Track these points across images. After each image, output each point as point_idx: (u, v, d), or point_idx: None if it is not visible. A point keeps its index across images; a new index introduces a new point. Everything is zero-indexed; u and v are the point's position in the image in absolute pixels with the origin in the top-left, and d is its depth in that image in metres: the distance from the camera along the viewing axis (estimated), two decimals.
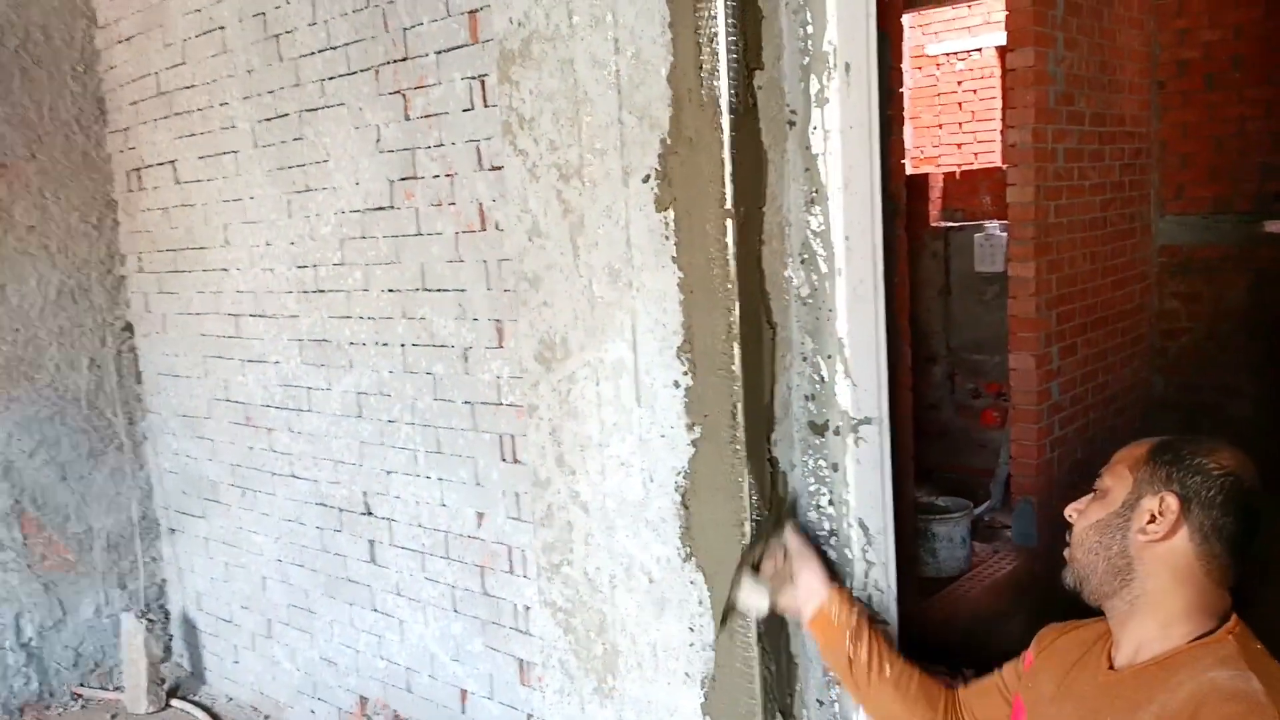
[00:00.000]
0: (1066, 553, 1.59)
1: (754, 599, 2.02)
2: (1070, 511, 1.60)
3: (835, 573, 2.07)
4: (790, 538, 2.04)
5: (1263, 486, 1.49)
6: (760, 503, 2.09)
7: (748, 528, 2.07)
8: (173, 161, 3.95)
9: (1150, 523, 1.47)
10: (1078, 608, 1.63)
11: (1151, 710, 1.40)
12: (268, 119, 3.47)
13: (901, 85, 3.98)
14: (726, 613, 2.06)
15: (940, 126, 9.60)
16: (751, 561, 2.02)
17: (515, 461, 2.94)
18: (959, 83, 9.45)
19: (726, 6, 1.96)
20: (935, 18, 9.37)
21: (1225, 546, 1.45)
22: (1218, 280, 5.87)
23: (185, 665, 4.45)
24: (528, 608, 2.99)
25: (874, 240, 2.13)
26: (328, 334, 3.43)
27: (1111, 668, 1.53)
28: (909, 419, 3.53)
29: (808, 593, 1.99)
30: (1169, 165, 5.95)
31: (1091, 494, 1.59)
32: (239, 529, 4.01)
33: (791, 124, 2.09)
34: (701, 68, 2.00)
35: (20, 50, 3.99)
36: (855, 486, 2.12)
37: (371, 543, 3.44)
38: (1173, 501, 1.46)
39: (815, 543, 2.11)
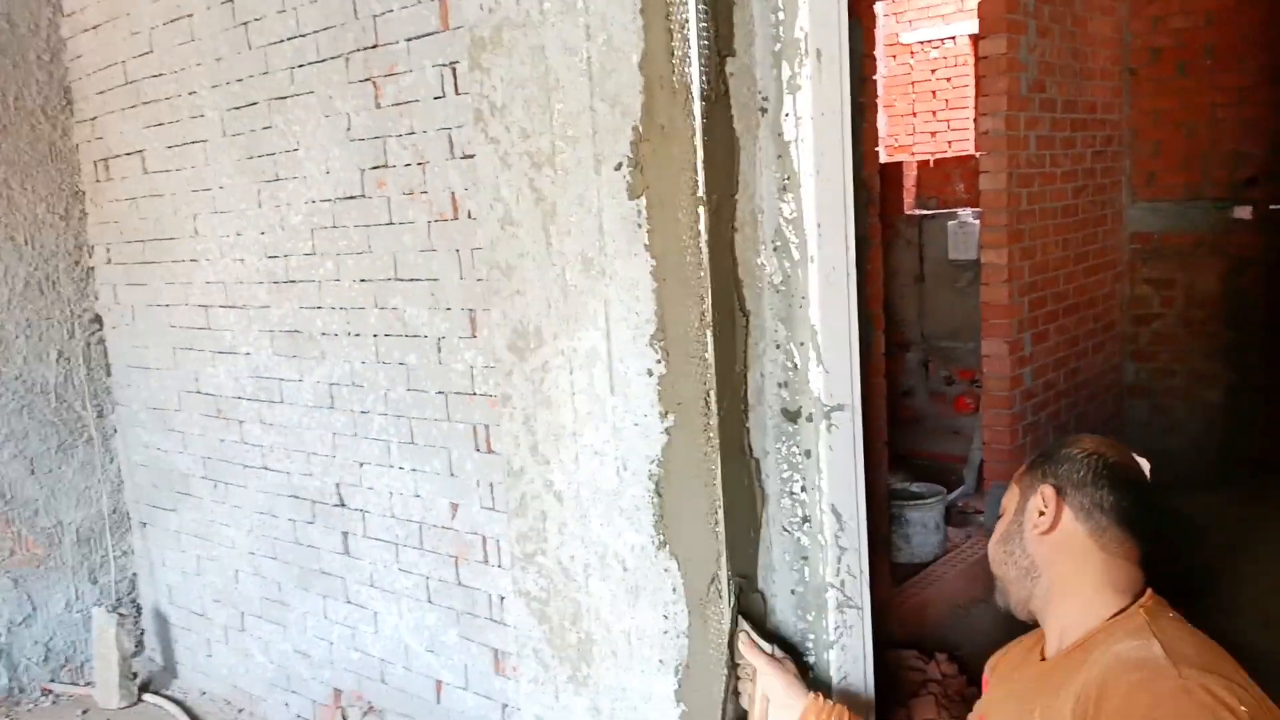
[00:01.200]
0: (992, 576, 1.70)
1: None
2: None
3: (808, 676, 2.00)
4: (743, 647, 1.99)
5: (1131, 459, 1.60)
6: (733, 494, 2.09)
7: (720, 515, 2.07)
8: (141, 151, 3.90)
9: (1039, 517, 1.58)
10: None
11: (1072, 690, 1.45)
12: (237, 107, 3.43)
13: (874, 72, 3.98)
14: None
15: (914, 114, 9.62)
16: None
17: (489, 451, 2.93)
18: (933, 71, 9.47)
19: None
20: (909, 5, 9.39)
21: (1111, 518, 1.54)
22: (1190, 266, 5.92)
23: (157, 659, 4.42)
24: (502, 598, 2.98)
25: (846, 227, 2.12)
26: (299, 325, 3.40)
27: (1044, 659, 1.60)
28: (882, 405, 3.55)
29: (779, 709, 1.90)
30: (1141, 152, 5.99)
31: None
32: (210, 522, 3.98)
33: (764, 111, 2.08)
34: (673, 54, 1.99)
35: None
36: (828, 473, 2.12)
37: (345, 534, 3.42)
38: (1049, 490, 1.57)
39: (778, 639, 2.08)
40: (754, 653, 1.99)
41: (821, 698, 1.89)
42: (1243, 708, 1.30)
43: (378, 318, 3.15)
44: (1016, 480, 1.67)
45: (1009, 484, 1.69)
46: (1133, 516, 1.54)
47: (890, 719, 3.49)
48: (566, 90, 2.18)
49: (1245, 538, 4.80)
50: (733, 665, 2.00)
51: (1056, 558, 1.57)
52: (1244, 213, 5.70)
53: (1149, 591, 1.54)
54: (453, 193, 2.86)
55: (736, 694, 2.00)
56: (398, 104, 2.94)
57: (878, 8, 6.61)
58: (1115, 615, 1.51)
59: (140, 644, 4.41)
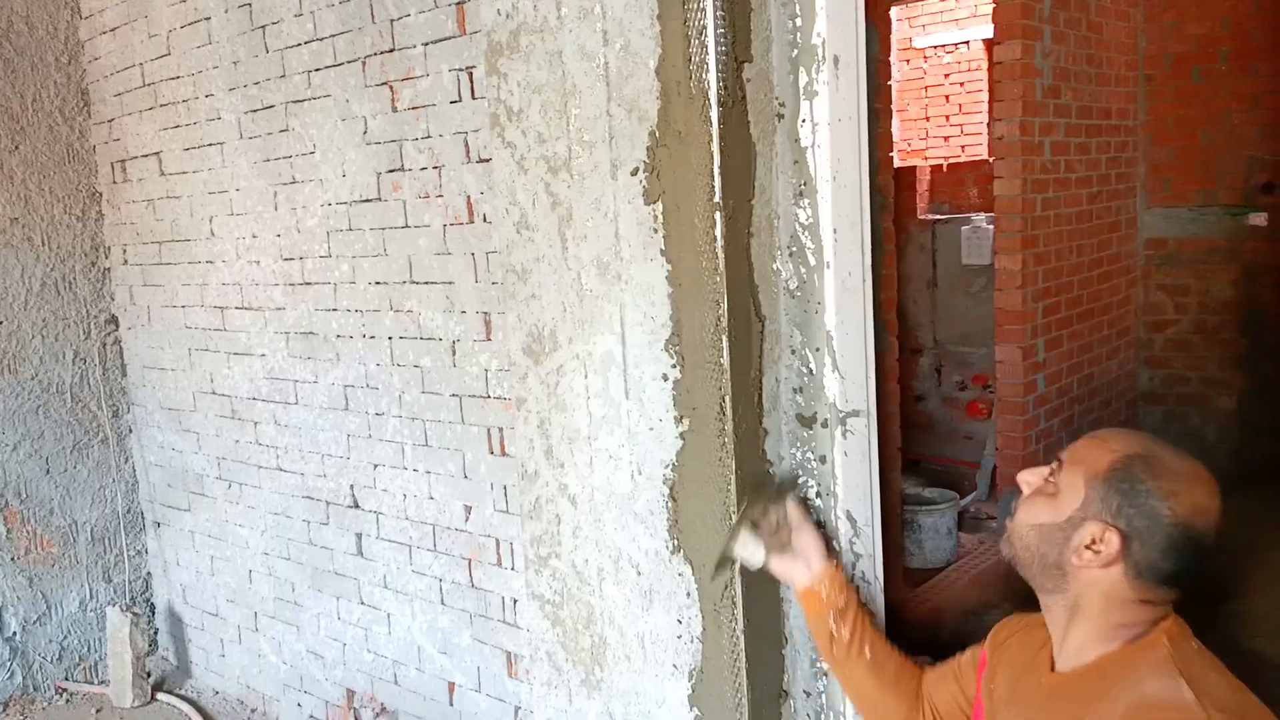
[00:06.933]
0: (1008, 524, 1.53)
1: (749, 552, 2.02)
2: (1023, 482, 1.53)
3: (832, 548, 2.08)
4: (791, 507, 2.04)
5: (1218, 519, 1.40)
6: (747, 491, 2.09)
7: (735, 520, 2.07)
8: (158, 153, 3.92)
9: (1089, 547, 1.41)
10: None
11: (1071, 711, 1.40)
12: (254, 110, 3.45)
13: (889, 78, 3.98)
14: (720, 563, 2.07)
15: (928, 119, 9.60)
16: (751, 518, 2.03)
17: (503, 454, 2.94)
18: (946, 75, 9.45)
19: None
20: (923, 10, 9.37)
21: (1161, 583, 1.40)
22: (1204, 273, 5.90)
23: (171, 659, 4.44)
24: (515, 600, 2.99)
25: (862, 233, 2.13)
26: (314, 327, 3.41)
27: (1053, 669, 1.51)
28: (895, 411, 3.54)
29: (803, 564, 1.99)
30: (1155, 158, 5.97)
31: (1049, 469, 1.50)
32: (225, 522, 3.99)
33: (780, 117, 2.09)
34: (690, 60, 1.99)
35: (2, 40, 3.96)
36: (843, 479, 2.12)
37: (358, 536, 3.43)
38: (1115, 539, 1.39)
39: (814, 517, 2.12)
40: (801, 510, 2.05)
41: (839, 567, 2.01)
42: None
43: (393, 320, 3.16)
44: (1086, 475, 1.43)
45: (1071, 462, 1.47)
46: (1185, 579, 1.40)
47: None
48: (583, 95, 2.18)
49: (1258, 546, 4.77)
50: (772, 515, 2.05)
51: (1088, 590, 1.44)
52: (1259, 219, 5.68)
53: (1171, 615, 1.43)
54: (468, 196, 2.87)
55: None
56: (414, 108, 2.95)
57: (893, 13, 6.61)
58: (1134, 639, 1.41)
59: (154, 643, 4.43)
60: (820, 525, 2.11)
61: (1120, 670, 1.40)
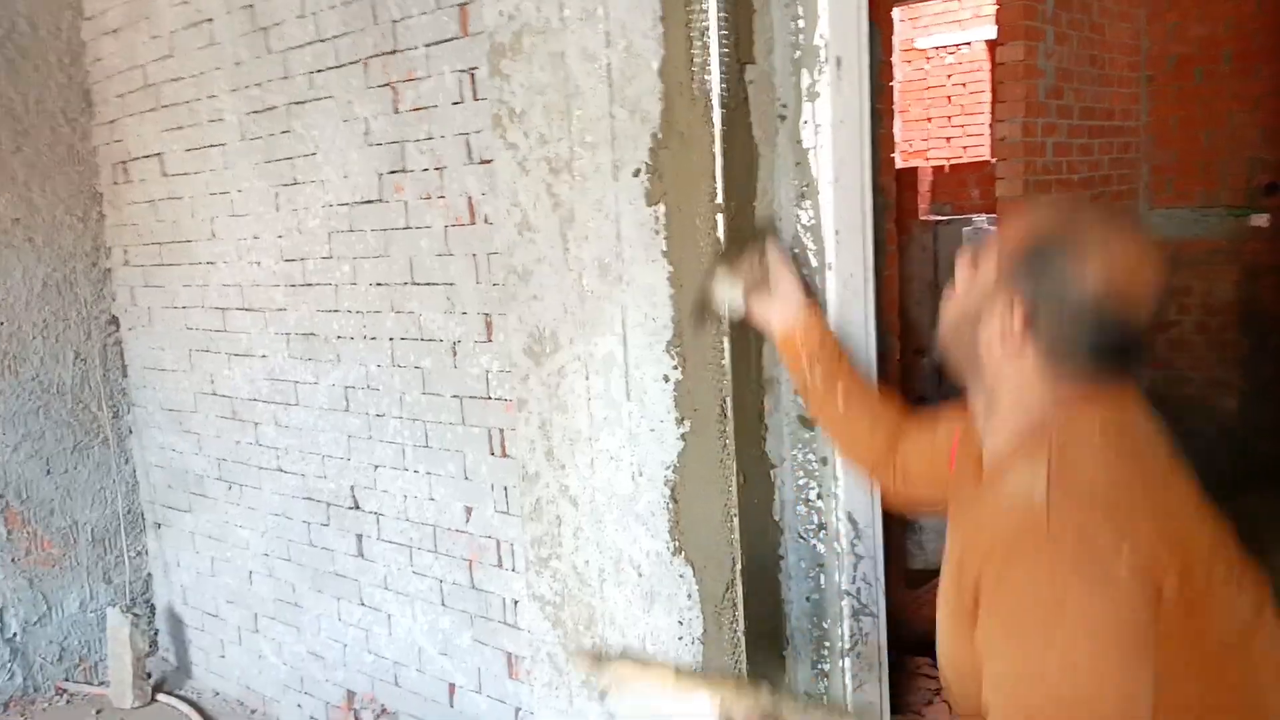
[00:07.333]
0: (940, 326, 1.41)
1: (728, 292, 1.98)
2: (958, 269, 1.39)
3: (811, 293, 2.04)
4: (771, 247, 1.99)
5: (1150, 292, 1.25)
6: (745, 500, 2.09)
7: (736, 522, 2.07)
8: (159, 154, 3.92)
9: (997, 328, 1.28)
10: None
11: (959, 543, 1.32)
12: (256, 112, 3.44)
13: (891, 79, 3.97)
14: (697, 308, 2.03)
15: (929, 120, 9.61)
16: (729, 258, 1.99)
17: (504, 455, 2.93)
18: (948, 76, 9.45)
19: (718, 0, 1.95)
20: (925, 11, 9.38)
21: (1076, 361, 1.25)
22: (1206, 274, 5.89)
23: (171, 660, 4.44)
24: (516, 601, 2.98)
25: (864, 234, 2.13)
26: (315, 328, 3.41)
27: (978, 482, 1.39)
28: None
29: (780, 306, 1.95)
30: (1158, 159, 5.97)
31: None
32: (225, 523, 3.99)
33: (782, 118, 2.09)
34: (693, 62, 1.99)
35: (5, 41, 3.95)
36: (844, 480, 2.13)
37: (359, 537, 3.43)
38: (1019, 315, 1.26)
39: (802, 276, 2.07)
40: (780, 251, 2.01)
41: (816, 310, 1.99)
42: (1123, 571, 1.09)
43: (394, 321, 3.15)
44: (1005, 255, 1.30)
45: (996, 244, 1.34)
46: (1104, 359, 1.25)
47: None
48: (586, 97, 2.18)
49: (1261, 549, 4.76)
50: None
51: (1003, 383, 1.30)
52: (1261, 220, 5.68)
53: (1094, 396, 1.26)
54: (470, 198, 2.87)
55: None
56: (416, 109, 2.95)
57: (895, 13, 6.60)
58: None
59: (154, 644, 4.43)
60: (806, 280, 2.06)
61: (1008, 465, 1.27)
